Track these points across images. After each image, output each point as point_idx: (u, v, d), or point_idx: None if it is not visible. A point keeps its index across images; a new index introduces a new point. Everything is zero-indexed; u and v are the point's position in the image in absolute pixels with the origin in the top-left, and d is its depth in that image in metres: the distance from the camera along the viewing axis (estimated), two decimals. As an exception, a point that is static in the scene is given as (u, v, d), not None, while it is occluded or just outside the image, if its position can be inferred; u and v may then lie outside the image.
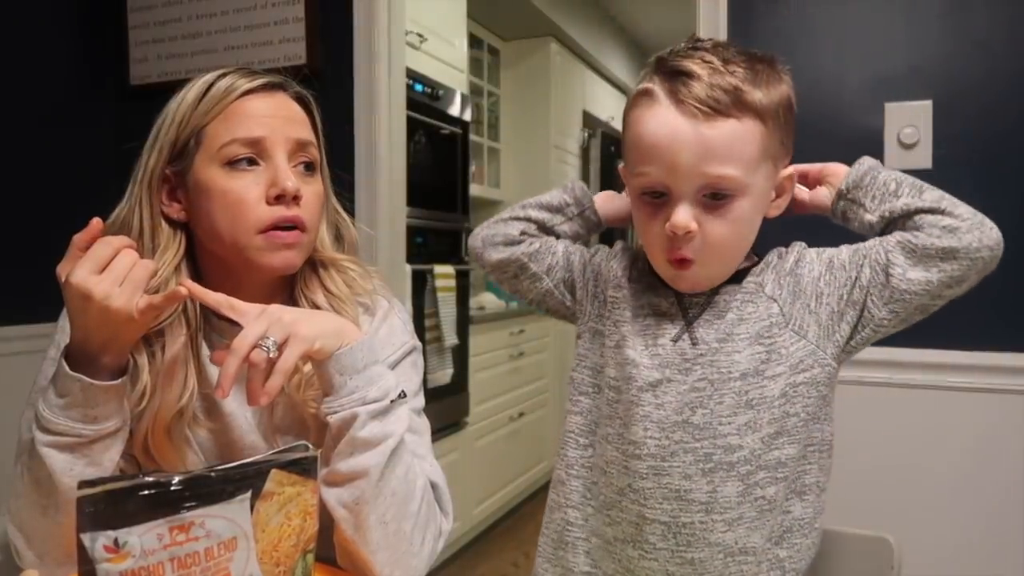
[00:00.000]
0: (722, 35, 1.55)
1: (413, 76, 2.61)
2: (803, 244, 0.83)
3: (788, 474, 0.77)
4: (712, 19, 1.57)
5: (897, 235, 0.77)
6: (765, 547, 0.76)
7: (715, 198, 0.74)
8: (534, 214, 0.91)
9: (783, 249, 0.83)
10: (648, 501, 0.77)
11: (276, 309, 0.76)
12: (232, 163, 0.85)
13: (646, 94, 0.76)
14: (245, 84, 0.87)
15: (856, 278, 0.77)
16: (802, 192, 0.85)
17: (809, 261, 0.80)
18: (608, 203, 0.93)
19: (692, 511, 0.75)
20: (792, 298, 0.78)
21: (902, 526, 0.97)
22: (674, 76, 0.74)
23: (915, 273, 0.74)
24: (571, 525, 0.84)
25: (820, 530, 0.80)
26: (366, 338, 0.81)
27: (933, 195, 0.77)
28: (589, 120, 4.41)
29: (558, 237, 0.92)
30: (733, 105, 0.72)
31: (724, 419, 0.75)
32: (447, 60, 3.02)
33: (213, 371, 0.89)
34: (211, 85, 0.87)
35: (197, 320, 0.88)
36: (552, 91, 3.91)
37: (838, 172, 0.84)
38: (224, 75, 0.88)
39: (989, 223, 0.75)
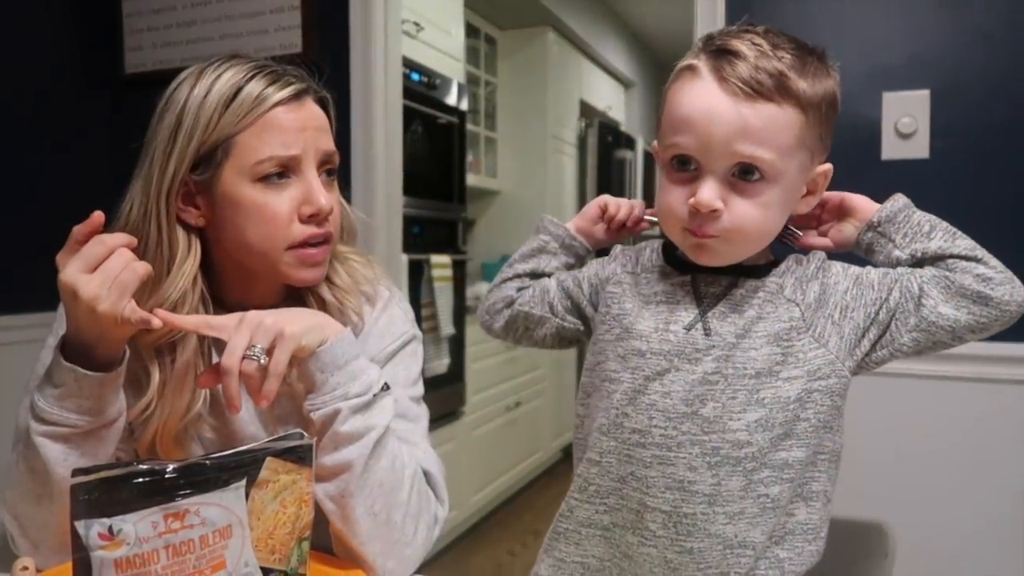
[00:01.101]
0: (719, 24, 1.54)
1: (410, 65, 2.60)
2: (823, 254, 0.83)
3: (794, 476, 0.77)
4: (710, 8, 1.56)
5: (932, 270, 0.78)
6: (765, 544, 0.76)
7: (745, 179, 0.73)
8: (520, 268, 0.94)
9: (802, 256, 0.82)
10: (650, 490, 0.76)
11: (254, 315, 0.76)
12: (264, 177, 0.84)
13: (689, 69, 0.76)
14: (276, 94, 0.84)
15: (885, 299, 0.78)
16: (827, 242, 0.86)
17: (835, 273, 0.80)
18: (586, 226, 0.94)
19: (695, 502, 0.75)
20: (816, 305, 0.77)
21: (900, 513, 0.98)
22: (720, 55, 0.73)
23: (946, 309, 0.75)
24: (561, 516, 0.84)
25: (825, 539, 0.80)
26: (347, 333, 0.80)
27: (967, 243, 0.78)
28: (586, 110, 4.39)
29: (550, 276, 0.93)
30: (776, 90, 0.72)
31: (735, 415, 0.75)
32: (444, 49, 3.01)
33: None
34: (239, 90, 0.83)
35: None
36: (549, 81, 3.89)
37: (864, 207, 0.84)
38: (250, 78, 0.84)
39: (1018, 280, 0.76)
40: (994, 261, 0.76)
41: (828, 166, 0.80)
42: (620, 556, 0.80)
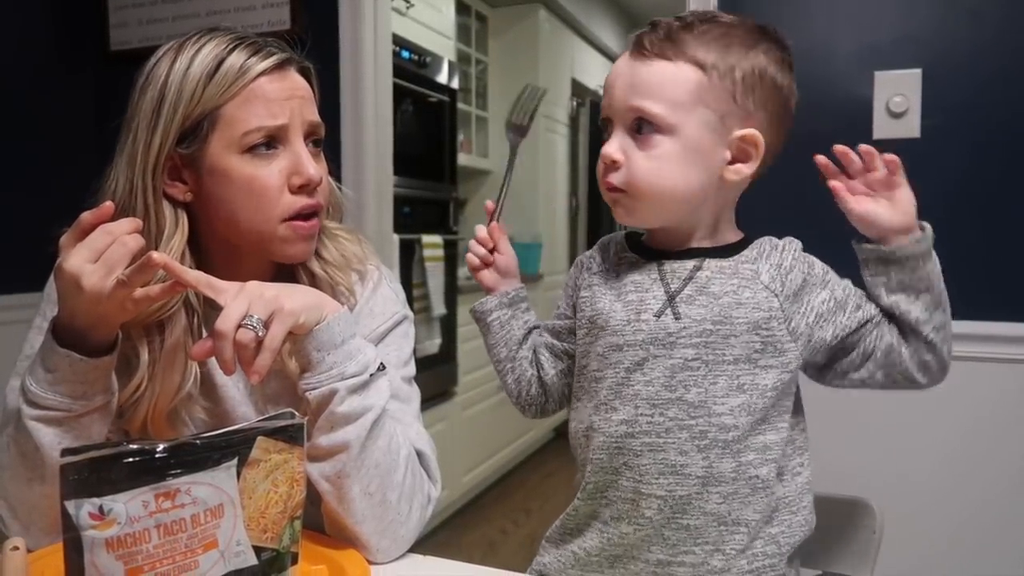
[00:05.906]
0: (711, 5, 1.54)
1: (400, 42, 2.58)
2: (799, 243, 0.82)
3: (777, 456, 0.78)
4: (702, -15, 1.55)
5: (891, 338, 0.79)
6: (758, 522, 0.78)
7: (641, 132, 0.77)
8: (504, 353, 0.93)
9: (776, 240, 0.82)
10: (644, 477, 0.77)
11: (255, 286, 0.74)
12: (252, 148, 0.83)
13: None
14: (259, 64, 0.83)
15: (847, 336, 0.80)
16: (863, 209, 0.78)
17: (816, 274, 0.80)
18: (495, 279, 0.93)
19: (688, 484, 0.76)
20: (792, 299, 0.78)
21: (893, 495, 0.98)
22: (646, 29, 0.79)
23: (880, 376, 0.81)
24: (567, 515, 0.86)
25: (810, 507, 0.82)
26: (343, 312, 0.80)
27: (939, 319, 0.78)
28: (578, 89, 4.37)
29: (529, 333, 0.93)
30: (666, 47, 0.76)
31: (719, 399, 0.76)
32: (434, 26, 2.98)
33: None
34: (221, 61, 0.82)
35: (202, 307, 0.87)
36: (540, 59, 3.87)
37: (905, 202, 0.77)
38: (231, 49, 0.83)
39: (947, 369, 0.80)
40: (945, 351, 0.79)
41: (751, 131, 0.77)
42: (615, 544, 0.81)
